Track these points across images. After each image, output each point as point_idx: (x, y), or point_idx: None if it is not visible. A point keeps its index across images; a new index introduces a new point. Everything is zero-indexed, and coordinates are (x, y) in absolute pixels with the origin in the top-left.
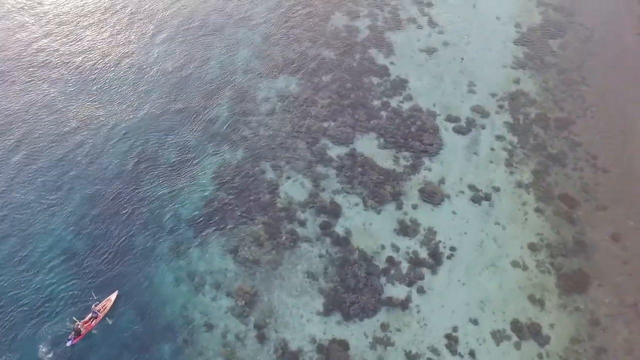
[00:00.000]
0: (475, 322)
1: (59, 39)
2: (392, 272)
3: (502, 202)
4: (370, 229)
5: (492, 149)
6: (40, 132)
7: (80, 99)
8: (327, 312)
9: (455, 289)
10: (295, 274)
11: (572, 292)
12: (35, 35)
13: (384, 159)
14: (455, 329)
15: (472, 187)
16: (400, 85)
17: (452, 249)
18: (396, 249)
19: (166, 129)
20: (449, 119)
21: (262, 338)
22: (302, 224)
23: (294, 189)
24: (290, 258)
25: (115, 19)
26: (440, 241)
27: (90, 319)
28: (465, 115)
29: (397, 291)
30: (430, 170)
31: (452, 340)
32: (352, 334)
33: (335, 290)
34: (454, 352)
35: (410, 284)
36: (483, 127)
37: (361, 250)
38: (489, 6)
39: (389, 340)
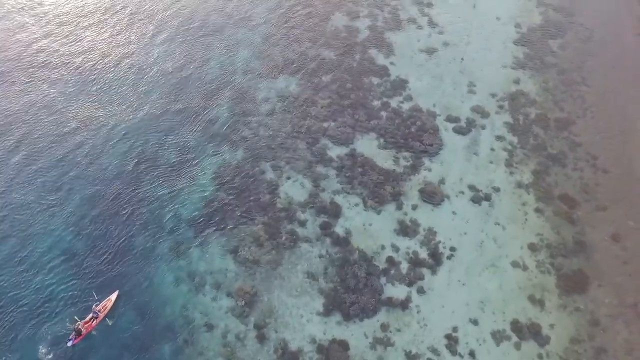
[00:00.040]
0: (475, 322)
1: (59, 40)
2: (392, 272)
3: (502, 203)
4: (370, 229)
5: (492, 149)
6: (40, 133)
7: (80, 99)
8: (327, 312)
9: (455, 289)
10: (295, 274)
11: (572, 292)
12: (35, 36)
13: (384, 159)
14: (455, 329)
15: (472, 188)
16: (400, 85)
17: (452, 249)
18: (396, 249)
19: (166, 130)
20: (449, 119)
21: (262, 338)
22: (302, 224)
23: (294, 189)
24: (290, 258)
25: (115, 19)
26: (440, 241)
27: (90, 319)
28: (465, 115)
29: (397, 291)
30: (430, 170)
31: (452, 341)
32: (352, 334)
33: (335, 291)
34: (454, 352)
35: (410, 284)
36: (483, 128)
37: (361, 250)
38: (489, 6)
39: (389, 340)
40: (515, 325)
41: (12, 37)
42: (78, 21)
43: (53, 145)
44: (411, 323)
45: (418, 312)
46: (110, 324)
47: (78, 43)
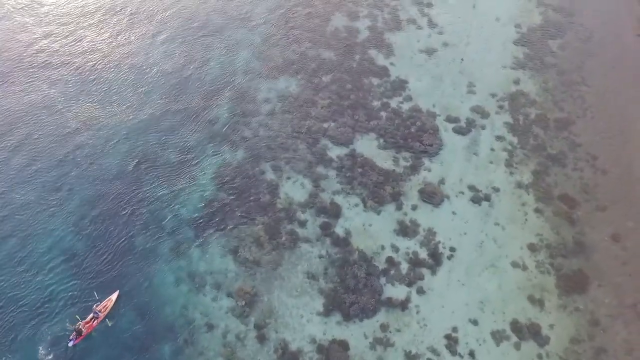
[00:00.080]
0: (475, 322)
1: (59, 40)
2: (392, 272)
3: (501, 203)
4: (370, 229)
5: (492, 150)
6: (40, 133)
7: (80, 99)
8: (327, 312)
9: (455, 290)
10: (295, 275)
11: (572, 292)
12: (36, 36)
13: (384, 160)
14: (455, 329)
15: (472, 188)
16: (400, 85)
17: (452, 249)
18: (396, 249)
19: (166, 130)
20: (449, 119)
21: (262, 338)
22: (302, 224)
23: (294, 189)
24: (290, 258)
25: (116, 19)
26: (440, 242)
27: (91, 319)
28: (465, 115)
29: (396, 291)
30: (430, 170)
31: (451, 341)
32: (352, 335)
33: (335, 291)
34: (453, 352)
35: (410, 285)
36: (483, 128)
37: (361, 250)
38: (488, 7)
39: (388, 340)
40: (515, 326)
41: (12, 37)
42: (78, 21)
43: (53, 145)
44: (411, 323)
45: (418, 312)
46: (110, 324)
47: (78, 43)
